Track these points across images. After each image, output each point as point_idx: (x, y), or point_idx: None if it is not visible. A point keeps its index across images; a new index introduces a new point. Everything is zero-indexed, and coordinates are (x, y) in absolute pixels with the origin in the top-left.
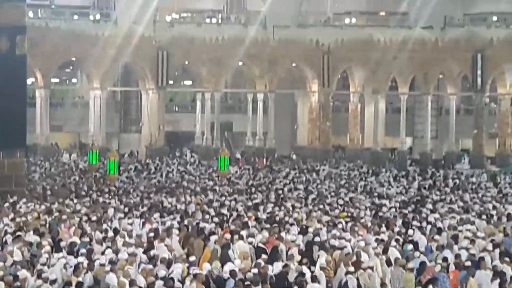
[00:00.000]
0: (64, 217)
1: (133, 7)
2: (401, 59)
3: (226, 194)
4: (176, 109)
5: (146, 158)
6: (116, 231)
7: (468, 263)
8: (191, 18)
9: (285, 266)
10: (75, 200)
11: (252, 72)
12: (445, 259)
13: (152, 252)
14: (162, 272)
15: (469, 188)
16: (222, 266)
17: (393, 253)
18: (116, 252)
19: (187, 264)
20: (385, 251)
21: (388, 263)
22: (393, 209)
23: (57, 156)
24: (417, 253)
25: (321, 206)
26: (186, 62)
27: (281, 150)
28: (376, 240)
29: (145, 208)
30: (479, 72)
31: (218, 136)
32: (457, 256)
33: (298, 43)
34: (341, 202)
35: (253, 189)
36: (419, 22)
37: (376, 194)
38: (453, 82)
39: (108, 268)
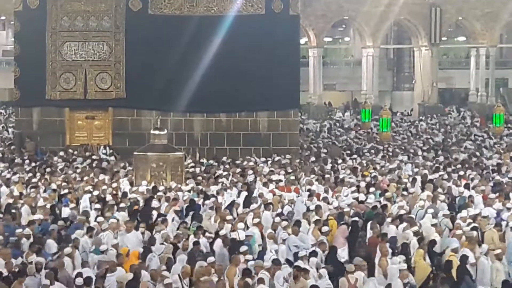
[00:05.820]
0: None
1: None
2: None
3: None
4: (450, 65)
5: (419, 116)
6: None
7: None
8: None
9: None
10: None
11: None
12: None
13: None
14: None
15: None
16: None
17: None
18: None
19: None
20: None
21: None
22: None
23: (330, 115)
24: None
25: None
26: (460, 18)
27: None
28: None
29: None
30: None
31: (493, 93)
32: None
33: None
34: None
35: None
36: None
37: None
38: None
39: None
